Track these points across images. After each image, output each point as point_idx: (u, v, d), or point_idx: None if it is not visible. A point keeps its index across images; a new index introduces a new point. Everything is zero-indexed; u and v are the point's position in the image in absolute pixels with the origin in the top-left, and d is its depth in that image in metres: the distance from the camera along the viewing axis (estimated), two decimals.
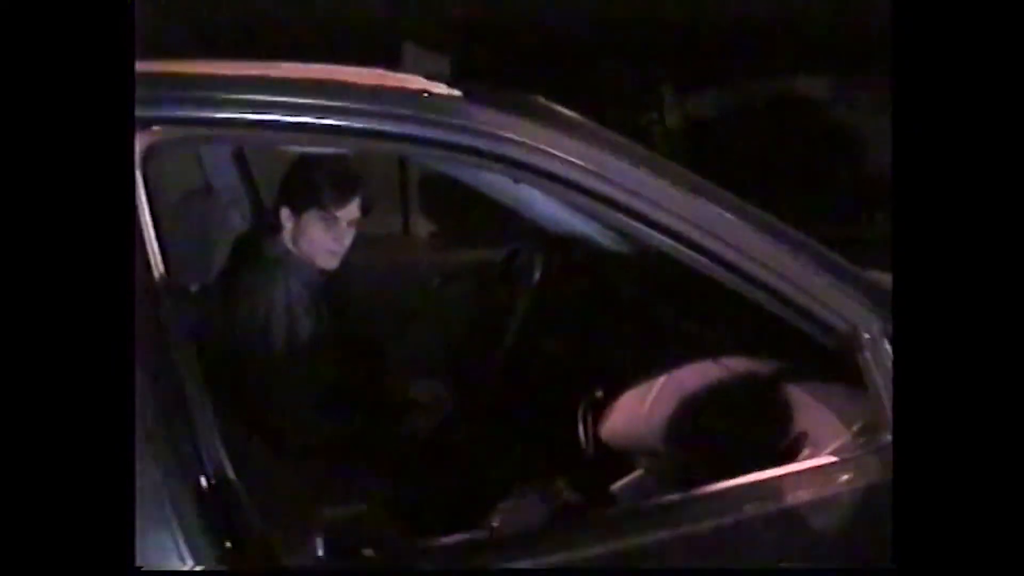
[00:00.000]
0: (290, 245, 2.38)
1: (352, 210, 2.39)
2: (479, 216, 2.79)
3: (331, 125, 1.45)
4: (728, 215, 1.57)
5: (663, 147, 5.74)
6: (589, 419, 2.21)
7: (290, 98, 1.45)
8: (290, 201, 2.40)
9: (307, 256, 2.37)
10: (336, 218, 2.37)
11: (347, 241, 2.41)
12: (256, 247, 2.42)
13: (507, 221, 2.67)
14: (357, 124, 1.46)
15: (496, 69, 5.44)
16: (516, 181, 1.63)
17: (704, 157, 4.96)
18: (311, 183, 2.36)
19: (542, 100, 1.65)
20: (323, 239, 2.38)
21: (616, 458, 2.12)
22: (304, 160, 2.38)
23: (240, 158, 2.72)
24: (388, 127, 1.46)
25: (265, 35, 4.84)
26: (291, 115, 1.44)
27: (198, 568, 1.23)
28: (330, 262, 2.40)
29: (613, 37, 5.53)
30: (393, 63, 5.56)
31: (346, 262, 2.40)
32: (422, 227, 6.25)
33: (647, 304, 2.34)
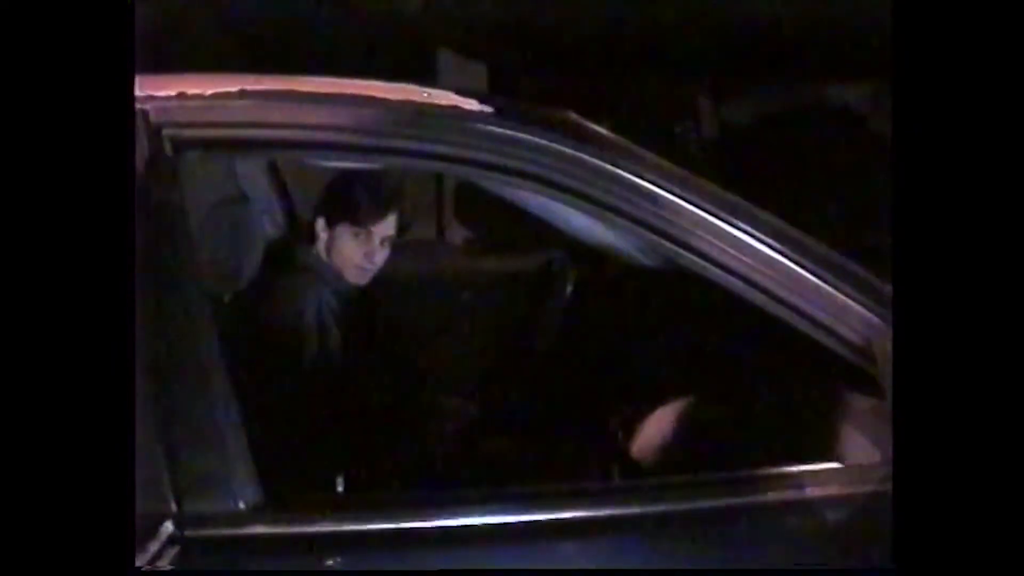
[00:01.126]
0: (323, 256, 2.37)
1: (387, 227, 2.38)
2: (515, 225, 2.77)
3: (357, 143, 1.44)
4: (750, 230, 1.54)
5: (698, 156, 5.68)
6: (620, 437, 2.18)
7: (315, 115, 1.44)
8: (326, 212, 2.40)
9: (338, 269, 2.37)
10: (370, 234, 2.36)
11: (378, 258, 2.40)
12: (289, 256, 2.42)
13: (543, 231, 2.64)
14: (385, 142, 1.45)
15: (530, 77, 5.43)
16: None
17: (740, 166, 4.90)
18: (348, 196, 2.37)
19: (574, 116, 1.63)
20: (354, 254, 2.37)
21: (647, 477, 2.09)
22: (344, 172, 2.37)
23: (273, 167, 2.72)
24: (416, 145, 1.45)
25: (299, 44, 4.85)
26: (315, 132, 1.44)
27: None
28: (360, 278, 2.39)
29: (647, 45, 5.49)
30: (429, 71, 5.57)
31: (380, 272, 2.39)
32: (457, 234, 6.22)
33: (681, 319, 2.31)
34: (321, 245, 2.40)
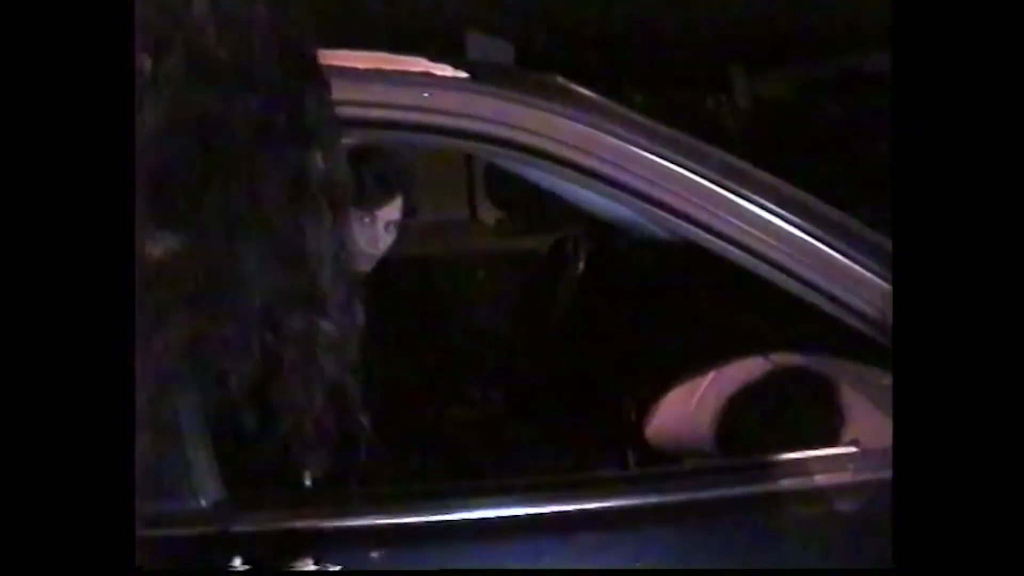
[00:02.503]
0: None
1: (392, 211, 2.28)
2: (545, 204, 2.69)
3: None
4: (759, 200, 1.45)
5: (731, 129, 5.56)
6: (634, 417, 2.10)
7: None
8: None
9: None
10: (374, 218, 2.27)
11: (382, 243, 2.29)
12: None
13: (567, 209, 2.56)
14: (351, 113, 1.37)
15: (561, 54, 5.34)
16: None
17: (776, 138, 4.78)
18: (354, 179, 2.29)
19: (560, 79, 1.54)
20: (358, 240, 2.29)
21: (662, 459, 2.01)
22: (350, 153, 2.30)
23: None
24: (384, 115, 1.37)
25: (325, 24, 4.79)
26: None
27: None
28: (362, 264, 2.32)
29: (680, 18, 5.38)
30: (457, 52, 5.51)
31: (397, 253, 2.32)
32: (489, 214, 6.16)
33: (695, 295, 2.21)
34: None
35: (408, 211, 2.33)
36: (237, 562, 1.25)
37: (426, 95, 1.36)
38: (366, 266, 2.33)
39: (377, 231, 2.28)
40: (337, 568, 1.30)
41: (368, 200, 2.25)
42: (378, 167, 2.27)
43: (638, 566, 1.41)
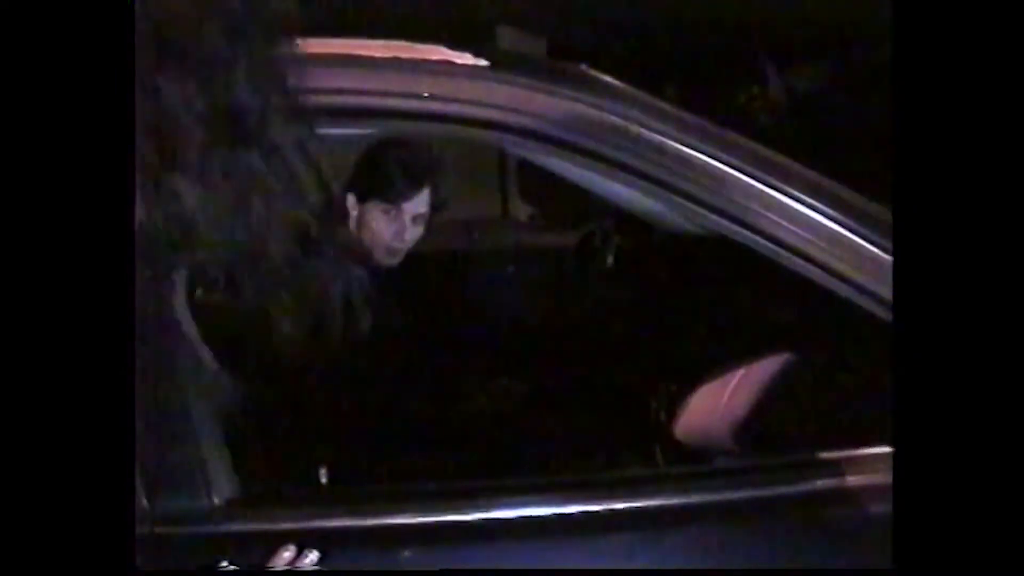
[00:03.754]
0: (354, 233, 2.27)
1: (419, 204, 2.25)
2: (578, 198, 2.66)
3: (341, 105, 1.33)
4: (793, 193, 1.41)
5: (765, 122, 5.50)
6: (663, 415, 2.06)
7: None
8: (356, 187, 2.28)
9: (368, 248, 2.26)
10: (400, 211, 2.24)
11: (408, 237, 2.27)
12: (318, 233, 2.32)
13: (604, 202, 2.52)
14: (372, 103, 1.34)
15: (593, 48, 5.30)
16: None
17: (809, 130, 4.73)
18: (379, 171, 2.24)
19: (584, 68, 1.50)
20: (383, 233, 2.25)
21: (692, 457, 1.97)
22: (379, 144, 2.25)
23: (301, 142, 2.64)
24: (406, 104, 1.33)
25: (349, 15, 4.78)
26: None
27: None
28: (388, 259, 2.27)
29: (712, 11, 5.32)
30: (489, 46, 5.50)
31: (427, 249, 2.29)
32: (522, 210, 6.14)
33: (726, 290, 2.17)
34: (352, 222, 2.28)
35: (437, 204, 2.29)
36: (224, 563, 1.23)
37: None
38: (393, 260, 2.29)
39: (403, 224, 2.25)
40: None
41: (393, 192, 2.22)
42: (405, 159, 2.23)
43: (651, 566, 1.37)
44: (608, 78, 1.51)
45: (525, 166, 6.07)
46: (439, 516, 1.31)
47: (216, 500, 1.24)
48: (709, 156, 1.40)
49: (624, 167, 1.36)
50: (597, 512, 1.38)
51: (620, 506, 1.38)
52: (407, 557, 1.29)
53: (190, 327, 1.32)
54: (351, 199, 2.29)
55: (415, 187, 2.24)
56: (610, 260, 2.33)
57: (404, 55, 1.36)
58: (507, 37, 6.02)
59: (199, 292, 2.36)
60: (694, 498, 1.41)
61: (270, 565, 1.22)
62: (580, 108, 1.34)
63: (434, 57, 1.36)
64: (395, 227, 2.25)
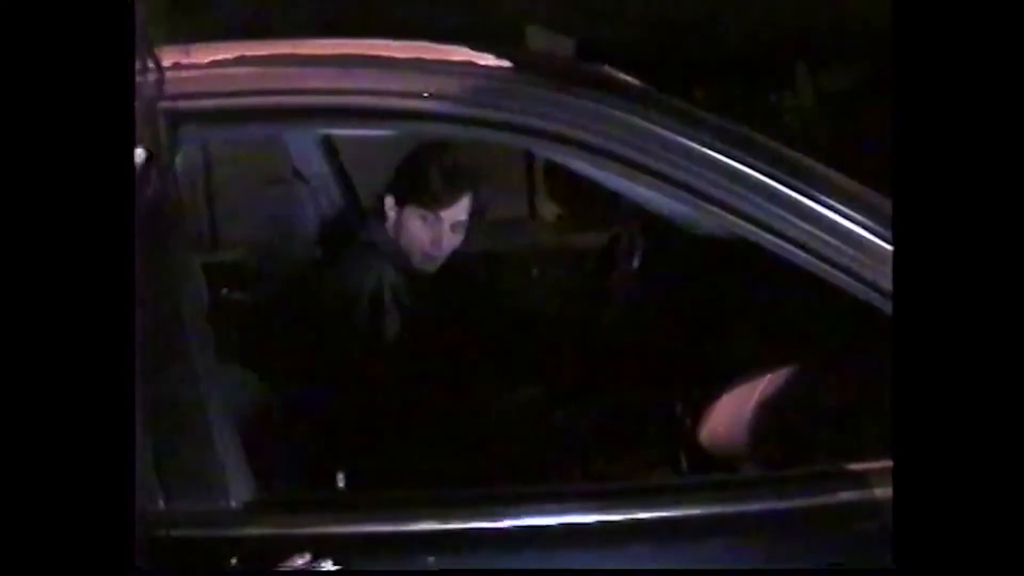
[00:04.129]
0: (391, 236, 2.23)
1: (458, 211, 2.20)
2: (606, 200, 2.64)
3: (367, 107, 1.32)
4: (821, 197, 1.38)
5: (794, 124, 5.47)
6: (688, 420, 2.03)
7: (320, 79, 1.33)
8: (396, 191, 2.23)
9: (406, 252, 2.22)
10: (439, 218, 2.19)
11: (446, 244, 2.22)
12: (351, 233, 2.31)
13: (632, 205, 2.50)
14: (397, 105, 1.32)
15: (621, 49, 5.27)
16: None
17: (840, 133, 4.69)
18: (419, 175, 2.19)
19: (608, 70, 1.48)
20: (420, 239, 2.20)
21: (717, 463, 1.94)
22: (420, 147, 2.21)
23: (329, 144, 2.64)
24: (433, 107, 1.32)
25: (382, 14, 4.79)
26: (322, 97, 1.32)
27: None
28: (425, 265, 2.23)
29: (741, 14, 5.29)
30: (517, 45, 5.49)
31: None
32: (549, 211, 6.13)
33: (752, 295, 2.14)
34: (390, 225, 2.24)
35: (476, 211, 2.25)
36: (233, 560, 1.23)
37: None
38: (429, 267, 2.25)
39: (441, 231, 2.20)
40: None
41: (433, 198, 2.18)
42: (446, 164, 2.19)
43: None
44: (631, 79, 1.49)
45: (553, 167, 6.07)
46: (458, 523, 1.29)
47: (234, 503, 1.24)
48: (737, 160, 1.38)
49: (650, 170, 1.34)
50: (618, 521, 1.35)
51: (643, 515, 1.35)
52: (431, 562, 1.27)
53: (211, 327, 1.31)
54: (390, 201, 2.25)
55: (455, 194, 2.19)
56: (636, 263, 2.30)
57: (427, 56, 1.35)
58: (537, 37, 6.01)
59: (223, 292, 2.36)
60: (717, 508, 1.38)
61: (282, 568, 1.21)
62: (603, 110, 1.32)
63: (457, 58, 1.35)
64: (433, 234, 2.20)
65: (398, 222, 2.22)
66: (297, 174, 2.54)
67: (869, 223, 1.42)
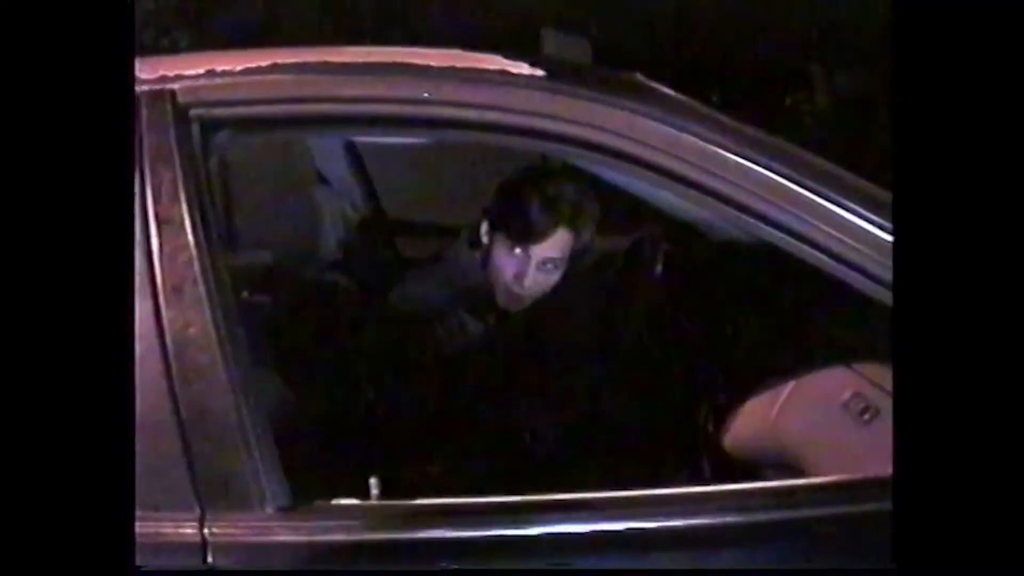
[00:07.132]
0: (479, 263, 2.08)
1: (551, 248, 2.00)
2: (627, 204, 2.62)
3: (399, 115, 1.33)
4: (843, 201, 1.39)
5: (813, 127, 5.45)
6: (711, 426, 2.03)
7: (353, 87, 1.33)
8: (490, 216, 2.06)
9: (491, 284, 2.06)
10: (527, 253, 2.00)
11: (529, 283, 2.02)
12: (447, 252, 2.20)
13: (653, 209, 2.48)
14: (429, 113, 1.33)
15: (637, 51, 5.27)
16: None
17: (856, 135, 4.67)
18: (512, 201, 2.00)
19: (640, 78, 1.48)
20: (505, 272, 2.02)
21: (740, 470, 1.94)
22: (520, 171, 2.03)
23: (352, 149, 2.65)
24: (464, 114, 1.32)
25: (400, 20, 4.80)
26: (353, 106, 1.32)
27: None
28: (508, 302, 2.07)
29: (757, 15, 5.28)
30: (533, 49, 5.50)
31: None
32: None
33: (776, 300, 2.14)
34: (481, 251, 2.09)
35: (578, 252, 2.07)
36: None
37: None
38: (512, 306, 2.08)
39: (526, 268, 2.02)
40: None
41: (522, 230, 1.98)
42: (544, 193, 1.99)
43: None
44: (662, 87, 1.49)
45: (575, 171, 6.04)
46: (487, 531, 1.30)
47: (268, 509, 1.24)
48: (758, 164, 1.38)
49: (682, 178, 1.35)
50: (643, 529, 1.35)
51: (667, 524, 1.35)
52: (455, 569, 1.28)
53: (239, 330, 1.32)
54: (484, 227, 2.08)
55: (548, 228, 1.98)
56: (659, 267, 2.29)
57: (460, 64, 1.36)
58: (552, 40, 5.99)
59: (245, 293, 2.37)
60: (742, 517, 1.38)
61: None
62: (636, 119, 1.32)
63: (491, 67, 1.36)
64: (516, 269, 2.01)
65: (489, 250, 2.07)
66: (320, 178, 2.55)
67: (889, 225, 1.42)
